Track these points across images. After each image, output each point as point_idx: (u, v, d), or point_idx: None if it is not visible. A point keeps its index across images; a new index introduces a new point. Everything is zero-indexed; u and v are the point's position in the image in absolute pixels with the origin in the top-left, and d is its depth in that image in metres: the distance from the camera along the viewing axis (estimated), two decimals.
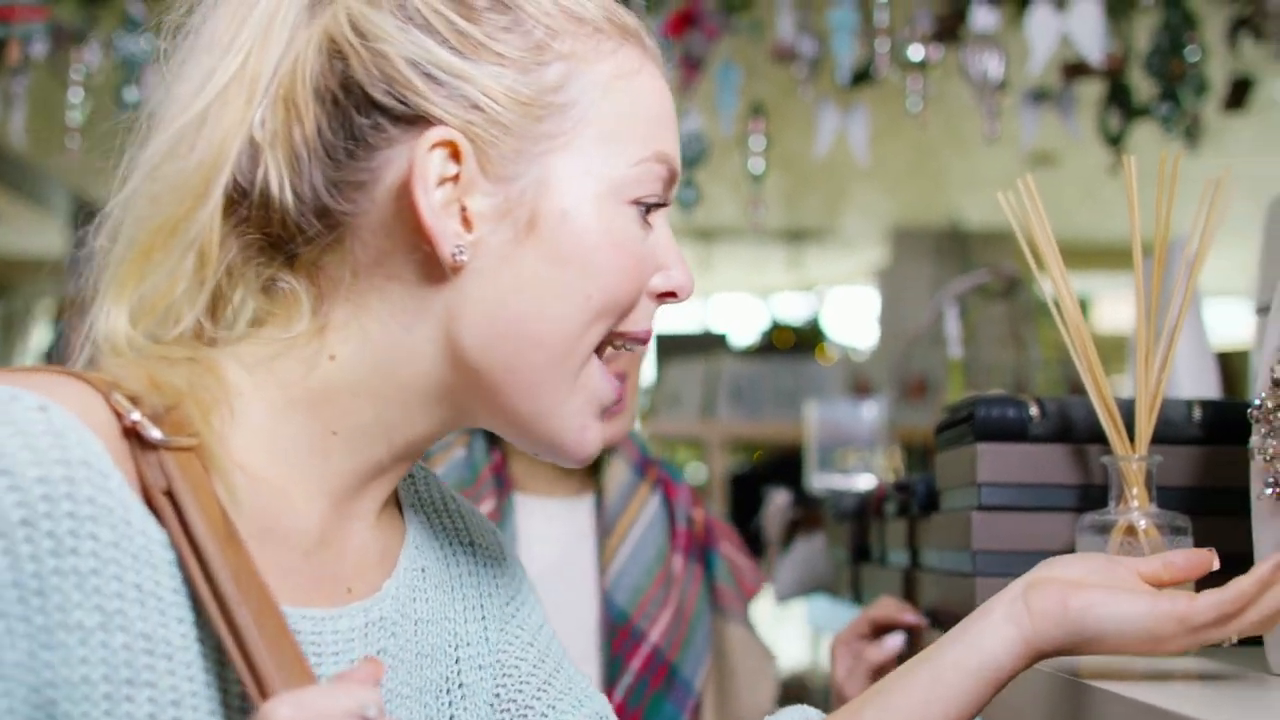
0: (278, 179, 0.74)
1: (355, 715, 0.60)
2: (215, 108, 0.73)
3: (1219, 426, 1.09)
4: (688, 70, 2.63)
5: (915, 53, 2.65)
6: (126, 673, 0.63)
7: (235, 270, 0.76)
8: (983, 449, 1.10)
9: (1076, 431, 1.09)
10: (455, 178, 0.73)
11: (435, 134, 0.73)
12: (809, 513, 2.48)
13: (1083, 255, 6.17)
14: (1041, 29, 2.52)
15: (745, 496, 3.88)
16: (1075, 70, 2.75)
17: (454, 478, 1.39)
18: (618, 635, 1.36)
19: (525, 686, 0.86)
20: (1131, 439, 0.99)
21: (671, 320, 5.87)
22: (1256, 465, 0.86)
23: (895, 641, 1.25)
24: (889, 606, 1.27)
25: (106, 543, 0.63)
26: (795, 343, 5.89)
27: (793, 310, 8.10)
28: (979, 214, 6.26)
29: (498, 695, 0.86)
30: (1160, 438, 1.02)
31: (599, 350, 0.78)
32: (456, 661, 0.84)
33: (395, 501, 0.85)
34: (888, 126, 3.42)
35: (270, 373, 0.74)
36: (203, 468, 0.68)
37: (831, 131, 2.74)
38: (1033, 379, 3.99)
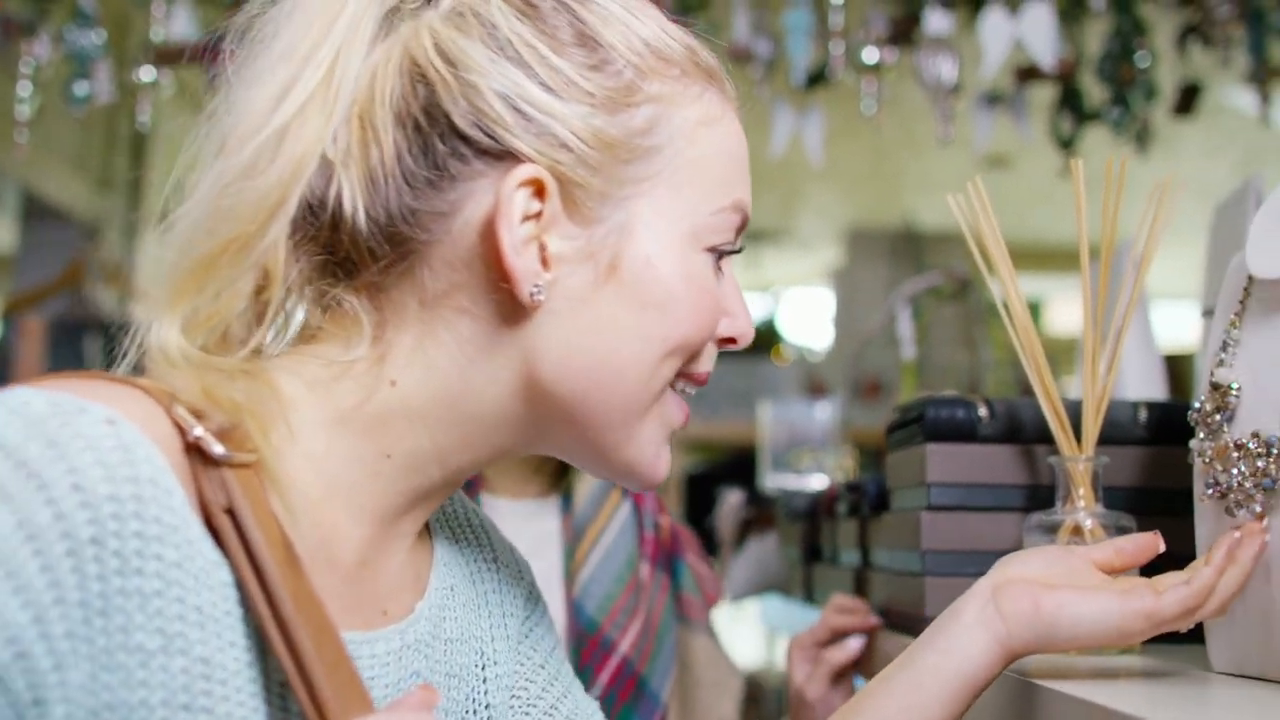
0: (350, 200, 0.72)
1: None
2: (295, 125, 0.70)
3: (1164, 428, 1.11)
4: None
5: (870, 55, 2.66)
6: (184, 697, 0.61)
7: (294, 286, 0.74)
8: (932, 449, 1.11)
9: (1025, 432, 1.10)
10: (537, 215, 0.71)
11: (524, 172, 0.71)
12: (762, 512, 2.49)
13: (1036, 257, 6.21)
14: (994, 33, 2.54)
15: (700, 496, 3.88)
16: (1028, 74, 2.77)
17: None
18: (587, 645, 1.34)
19: (532, 710, 0.85)
20: (1079, 440, 1.00)
21: None
22: (1198, 467, 0.87)
23: (856, 644, 1.25)
24: (847, 610, 1.27)
25: (170, 563, 0.61)
26: (751, 343, 5.90)
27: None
28: (933, 216, 6.29)
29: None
30: (1107, 439, 1.03)
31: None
32: (484, 681, 0.83)
33: None
34: (843, 128, 3.43)
35: (327, 393, 0.72)
36: (260, 485, 0.66)
37: (787, 133, 2.75)
38: (984, 380, 4.02)
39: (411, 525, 0.77)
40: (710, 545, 2.42)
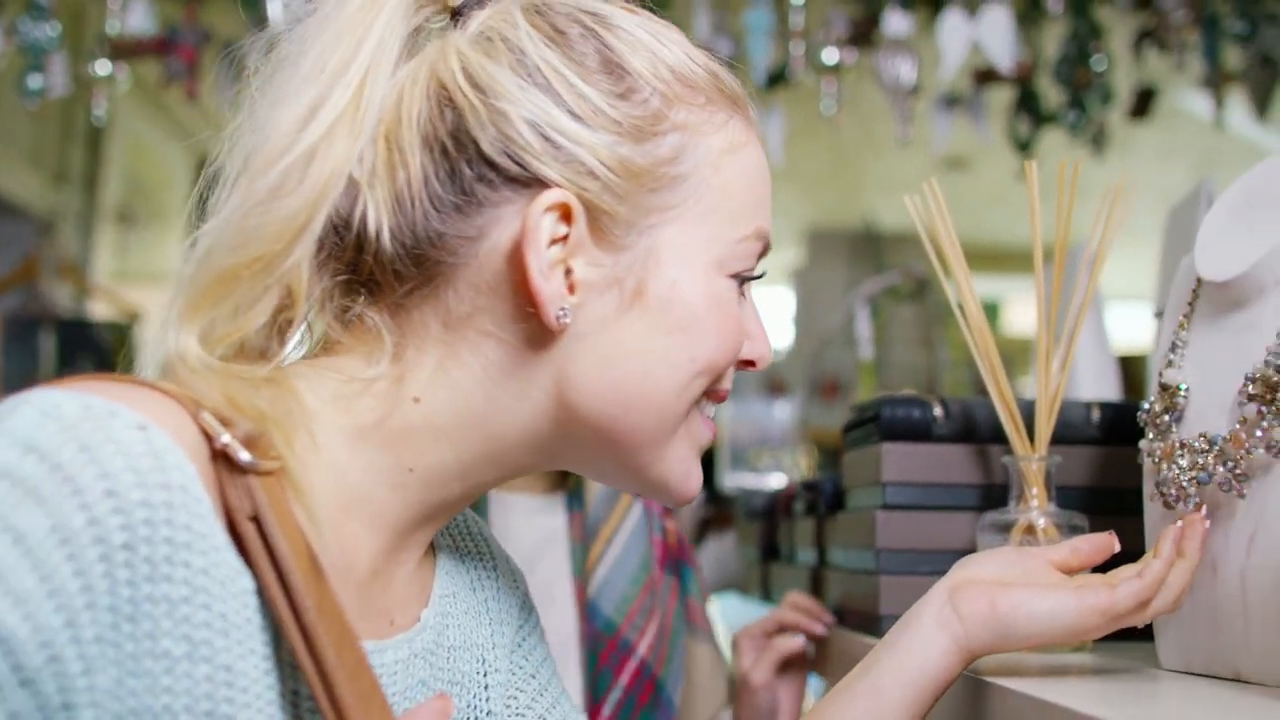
0: (375, 220, 0.72)
1: None
2: (324, 145, 0.70)
3: (1116, 428, 1.12)
4: None
5: (830, 56, 2.68)
6: (207, 704, 0.61)
7: (315, 303, 0.73)
8: (888, 449, 1.11)
9: (979, 432, 1.11)
10: (564, 238, 0.71)
11: (551, 196, 0.70)
12: (720, 511, 2.50)
13: (994, 258, 6.26)
14: (953, 35, 2.56)
15: None
16: (986, 76, 2.79)
17: None
18: (605, 646, 1.32)
19: None
20: (1032, 440, 1.01)
21: None
22: (1147, 467, 0.88)
23: (803, 639, 1.27)
24: (801, 609, 1.28)
25: (197, 570, 0.61)
26: None
27: None
28: (893, 216, 6.33)
29: None
30: (1060, 438, 1.04)
31: None
32: (486, 689, 0.83)
33: None
34: (803, 128, 3.44)
35: (348, 406, 0.72)
36: (283, 493, 0.65)
37: None
38: (942, 380, 4.05)
39: (425, 537, 0.78)
40: None
